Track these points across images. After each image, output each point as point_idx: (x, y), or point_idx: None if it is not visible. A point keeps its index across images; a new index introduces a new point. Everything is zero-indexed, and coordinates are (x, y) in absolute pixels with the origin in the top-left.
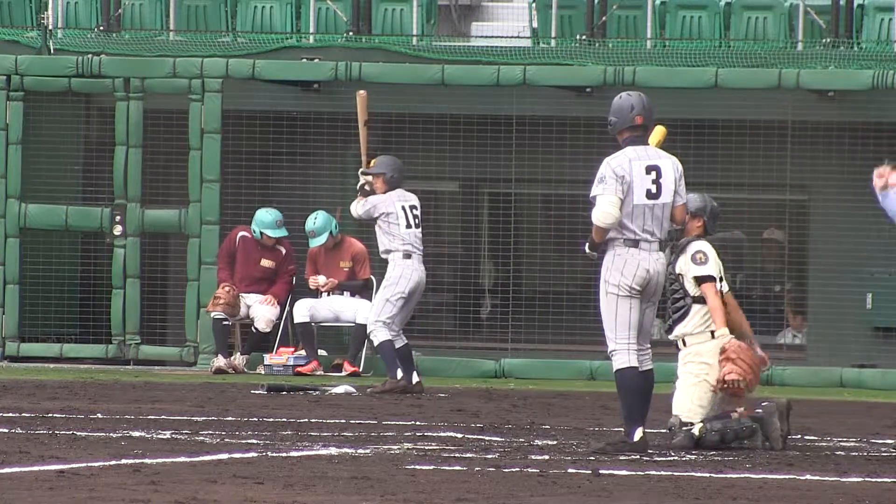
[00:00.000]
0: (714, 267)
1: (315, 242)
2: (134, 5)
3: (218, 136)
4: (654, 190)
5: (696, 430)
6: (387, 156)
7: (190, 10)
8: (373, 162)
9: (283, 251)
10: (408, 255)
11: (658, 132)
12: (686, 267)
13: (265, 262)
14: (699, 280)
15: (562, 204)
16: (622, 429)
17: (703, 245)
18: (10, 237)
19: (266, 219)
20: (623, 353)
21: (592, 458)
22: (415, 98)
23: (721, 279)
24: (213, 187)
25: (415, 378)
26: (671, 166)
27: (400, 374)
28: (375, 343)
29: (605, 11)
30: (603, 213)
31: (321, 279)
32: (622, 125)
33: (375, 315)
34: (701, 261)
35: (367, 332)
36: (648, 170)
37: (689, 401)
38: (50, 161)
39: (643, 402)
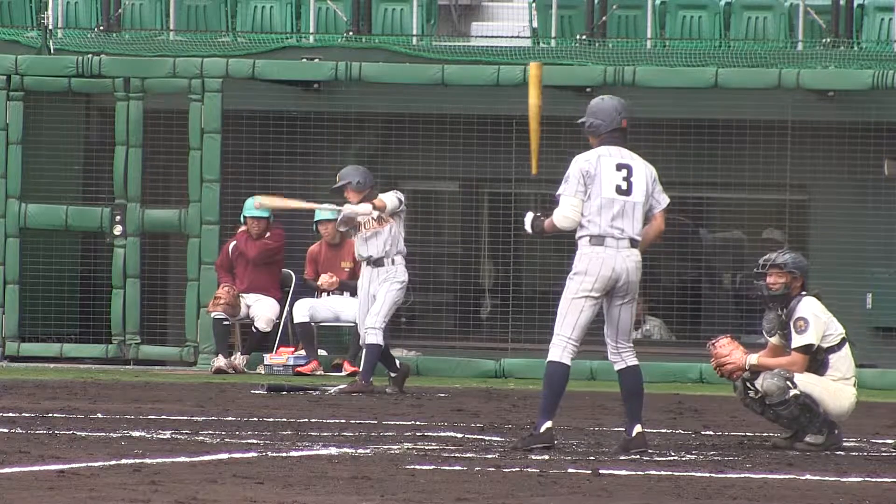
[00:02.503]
0: (813, 334)
1: (321, 215)
2: (134, 5)
3: (218, 136)
4: (624, 186)
5: (792, 392)
6: (349, 166)
7: (190, 10)
8: (337, 177)
9: (269, 234)
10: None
11: (533, 68)
12: (791, 331)
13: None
14: (794, 349)
15: None
16: (622, 428)
17: (807, 310)
18: (10, 237)
19: (248, 203)
20: (558, 347)
21: (516, 454)
22: (415, 98)
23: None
24: (213, 187)
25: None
26: (643, 169)
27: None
28: (368, 342)
29: (605, 11)
30: (563, 216)
31: (324, 278)
32: (608, 127)
33: (383, 317)
34: (801, 329)
35: (364, 328)
36: (619, 167)
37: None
38: (50, 161)
39: (559, 397)
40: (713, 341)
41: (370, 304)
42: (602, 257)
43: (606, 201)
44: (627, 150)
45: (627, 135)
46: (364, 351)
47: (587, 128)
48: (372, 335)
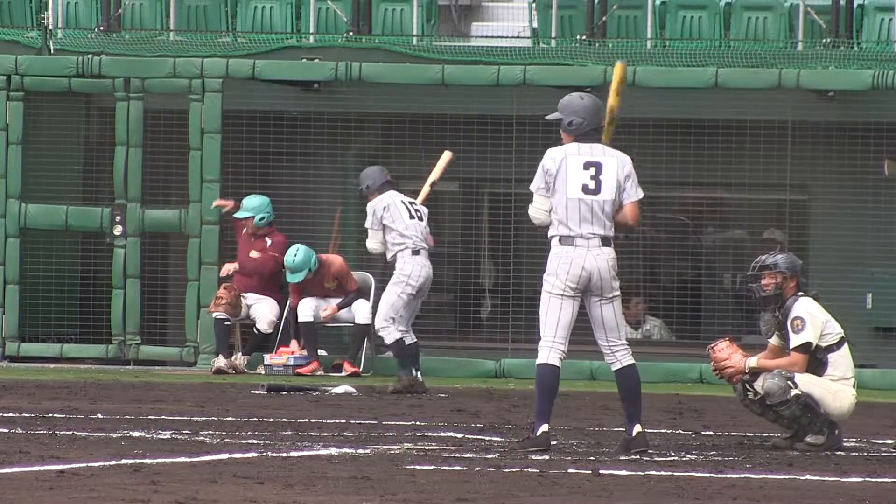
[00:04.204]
0: (810, 332)
1: (292, 279)
2: (134, 5)
3: (218, 136)
4: (591, 186)
5: (793, 392)
6: (365, 170)
7: (190, 10)
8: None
9: (269, 242)
10: (416, 252)
11: (618, 70)
12: (788, 332)
13: (253, 254)
14: (793, 348)
15: None
16: (622, 428)
17: (802, 309)
18: (10, 237)
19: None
20: (545, 349)
21: (521, 456)
22: (415, 98)
23: (825, 333)
24: (213, 187)
25: (417, 375)
26: (615, 164)
27: (414, 371)
28: (388, 342)
29: (605, 11)
30: (532, 214)
31: (323, 315)
32: (589, 126)
33: (385, 313)
34: (797, 328)
35: (376, 329)
36: (587, 165)
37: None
38: (50, 161)
39: (552, 398)
40: (712, 345)
41: None
42: (571, 257)
43: (572, 202)
44: (600, 146)
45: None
46: (389, 351)
47: (567, 125)
48: (385, 335)
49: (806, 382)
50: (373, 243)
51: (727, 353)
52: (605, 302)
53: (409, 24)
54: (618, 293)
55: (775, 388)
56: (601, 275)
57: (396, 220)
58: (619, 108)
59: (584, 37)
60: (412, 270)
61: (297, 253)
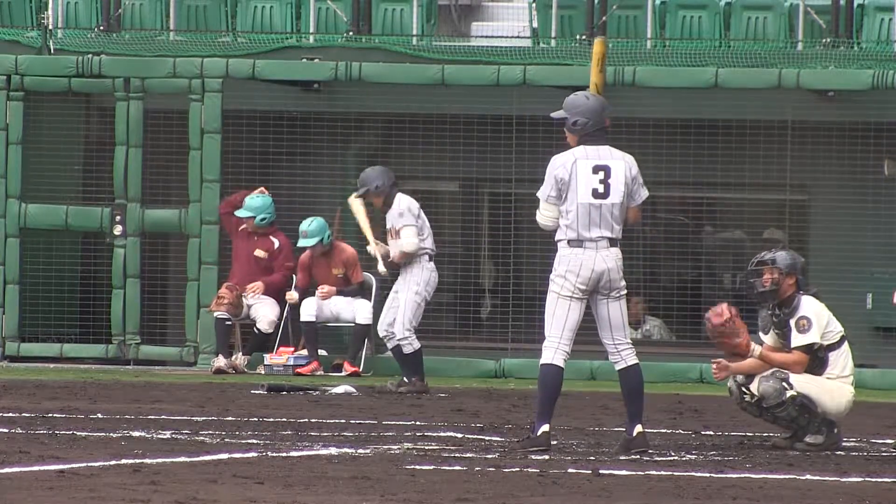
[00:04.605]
0: (816, 333)
1: (303, 243)
2: (134, 5)
3: (218, 136)
4: (601, 189)
5: (789, 394)
6: (368, 169)
7: (190, 10)
8: (358, 183)
9: (277, 243)
10: (431, 258)
11: (597, 45)
12: (792, 330)
13: (258, 252)
14: (796, 348)
15: None
16: (622, 428)
17: (809, 309)
18: (10, 237)
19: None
20: (550, 350)
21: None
22: (415, 98)
23: (828, 331)
24: (213, 187)
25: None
26: (623, 167)
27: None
28: (409, 351)
29: (605, 11)
30: (540, 219)
31: (320, 292)
32: (594, 126)
33: (408, 322)
34: (803, 328)
35: (400, 339)
36: (596, 169)
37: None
38: (50, 161)
39: (554, 399)
40: (714, 315)
41: (393, 304)
42: (581, 259)
43: (583, 206)
44: (607, 148)
45: (607, 133)
46: (406, 359)
47: (573, 125)
48: (405, 345)
49: (802, 383)
50: (416, 238)
51: (731, 329)
52: (612, 300)
53: (409, 24)
54: (624, 292)
55: (770, 390)
56: (610, 275)
57: (424, 224)
58: (604, 84)
59: (584, 37)
60: (430, 277)
61: (312, 221)
